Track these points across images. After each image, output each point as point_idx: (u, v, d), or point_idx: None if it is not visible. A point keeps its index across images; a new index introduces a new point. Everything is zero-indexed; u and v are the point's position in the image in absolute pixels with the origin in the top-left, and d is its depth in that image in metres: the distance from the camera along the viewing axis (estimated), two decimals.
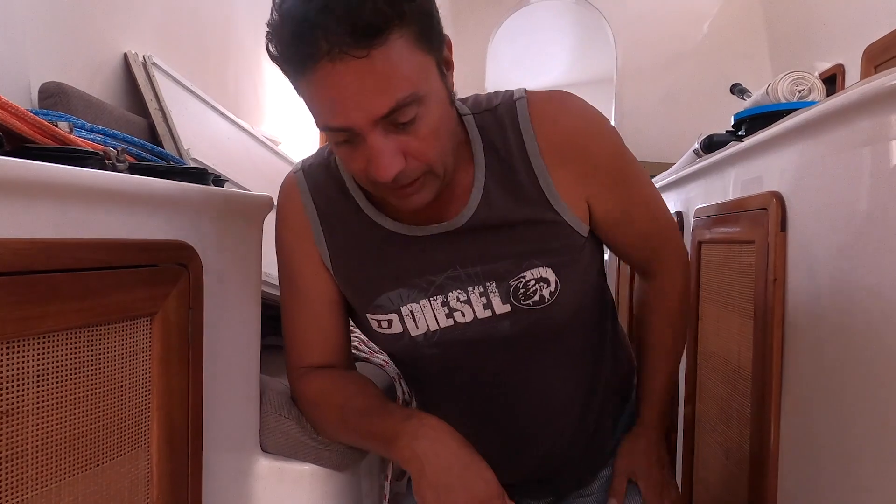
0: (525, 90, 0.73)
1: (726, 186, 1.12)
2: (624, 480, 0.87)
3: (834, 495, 0.67)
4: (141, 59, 1.44)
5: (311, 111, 0.61)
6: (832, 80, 1.87)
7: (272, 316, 1.47)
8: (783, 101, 1.16)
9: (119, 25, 1.42)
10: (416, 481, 0.67)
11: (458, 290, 0.72)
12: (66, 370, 0.48)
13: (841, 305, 0.67)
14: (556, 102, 0.72)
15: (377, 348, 1.23)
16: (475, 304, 0.73)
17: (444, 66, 0.64)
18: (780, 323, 0.80)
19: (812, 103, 0.91)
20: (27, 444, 0.45)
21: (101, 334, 0.51)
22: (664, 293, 0.87)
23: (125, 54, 1.42)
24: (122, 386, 0.54)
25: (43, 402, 0.46)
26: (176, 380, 0.60)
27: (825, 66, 1.98)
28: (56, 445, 0.47)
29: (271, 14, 0.58)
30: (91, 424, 0.51)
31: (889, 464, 0.57)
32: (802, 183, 0.77)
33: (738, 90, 1.59)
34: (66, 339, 0.48)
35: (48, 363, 0.47)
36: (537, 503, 0.90)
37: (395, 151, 0.59)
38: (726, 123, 1.34)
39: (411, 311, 0.74)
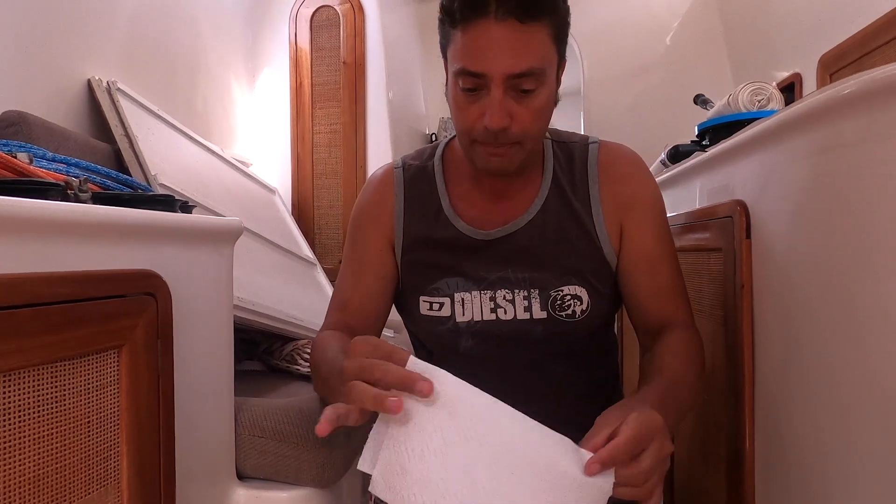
0: (598, 139, 0.88)
1: (693, 195, 1.14)
2: (603, 430, 0.60)
3: (809, 493, 0.68)
4: (105, 84, 1.42)
5: (453, 58, 0.74)
6: (790, 89, 1.92)
7: (246, 340, 1.45)
8: (743, 110, 1.19)
9: (82, 52, 1.40)
10: None
11: (506, 290, 0.82)
12: (30, 408, 0.47)
13: (807, 308, 0.68)
14: (620, 154, 0.87)
15: None
16: (517, 306, 0.82)
17: (558, 76, 0.77)
18: (750, 328, 0.82)
19: (771, 112, 0.94)
20: None
21: (66, 370, 0.50)
22: (686, 340, 0.79)
23: (88, 80, 1.41)
24: (89, 422, 0.52)
25: (4, 443, 0.45)
26: (145, 412, 0.59)
27: (783, 75, 2.03)
28: (20, 487, 0.46)
29: None
30: (57, 463, 0.49)
31: (861, 461, 0.58)
32: (765, 190, 0.79)
33: (701, 100, 1.63)
34: (29, 376, 0.47)
35: (10, 402, 0.45)
36: None
37: (507, 111, 0.72)
38: (691, 133, 1.37)
39: (462, 299, 0.83)
